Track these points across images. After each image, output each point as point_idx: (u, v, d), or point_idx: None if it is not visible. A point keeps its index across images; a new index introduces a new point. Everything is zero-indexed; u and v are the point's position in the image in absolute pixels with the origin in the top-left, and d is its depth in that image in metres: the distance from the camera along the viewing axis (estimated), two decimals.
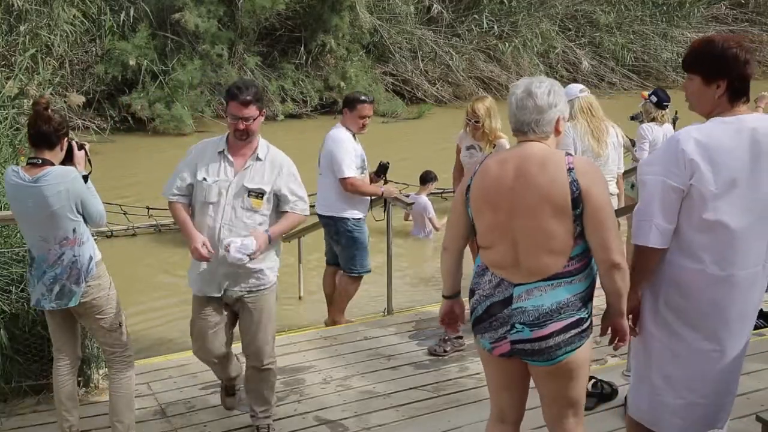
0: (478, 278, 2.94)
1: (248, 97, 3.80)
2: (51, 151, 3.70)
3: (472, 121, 5.31)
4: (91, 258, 3.74)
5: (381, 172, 5.50)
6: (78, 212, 3.68)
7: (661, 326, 2.94)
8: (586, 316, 2.83)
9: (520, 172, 2.80)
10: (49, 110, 3.70)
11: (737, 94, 2.82)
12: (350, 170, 5.34)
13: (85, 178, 3.79)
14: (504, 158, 2.88)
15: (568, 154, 2.85)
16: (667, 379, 2.97)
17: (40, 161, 3.65)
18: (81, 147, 3.89)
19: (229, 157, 3.90)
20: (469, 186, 2.92)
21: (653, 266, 2.88)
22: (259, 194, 3.85)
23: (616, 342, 2.96)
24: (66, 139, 3.77)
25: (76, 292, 3.70)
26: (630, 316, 2.98)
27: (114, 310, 3.86)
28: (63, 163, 3.78)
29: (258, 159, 3.90)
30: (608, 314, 2.91)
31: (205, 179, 3.87)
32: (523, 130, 2.87)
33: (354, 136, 5.48)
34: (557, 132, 2.90)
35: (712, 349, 2.91)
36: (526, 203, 2.76)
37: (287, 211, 3.94)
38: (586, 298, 2.83)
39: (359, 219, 5.52)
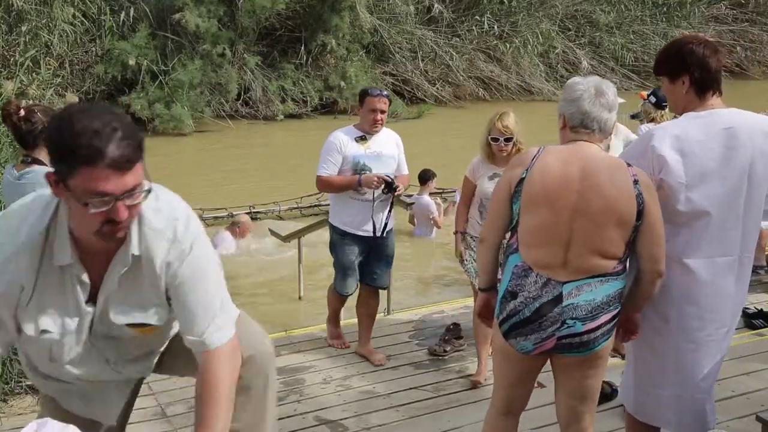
0: (520, 279, 2.81)
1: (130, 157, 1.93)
2: (33, 150, 3.66)
3: (502, 139, 4.53)
4: None
5: (388, 189, 4.78)
6: None
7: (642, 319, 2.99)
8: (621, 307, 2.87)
9: (587, 175, 2.74)
10: (20, 113, 3.63)
11: (702, 86, 2.89)
12: (322, 169, 4.85)
13: None
14: (566, 157, 2.79)
15: (629, 164, 2.80)
16: (649, 370, 3.03)
17: (30, 159, 3.64)
18: None
19: (83, 277, 2.12)
20: (521, 179, 2.80)
21: None
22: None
23: (627, 335, 3.01)
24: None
25: None
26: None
27: None
28: None
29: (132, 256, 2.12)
30: (630, 308, 2.93)
31: (46, 331, 2.14)
32: (591, 128, 2.81)
33: (363, 137, 4.86)
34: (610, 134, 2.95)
35: (687, 340, 2.94)
36: (592, 208, 2.71)
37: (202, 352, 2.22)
38: (624, 292, 2.86)
39: (343, 231, 4.94)
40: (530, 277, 2.78)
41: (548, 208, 2.75)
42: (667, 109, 7.23)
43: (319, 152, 4.97)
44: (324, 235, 5.97)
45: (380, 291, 5.21)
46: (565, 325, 2.75)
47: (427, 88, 17.71)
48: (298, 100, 16.25)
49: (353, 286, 5.04)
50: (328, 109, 16.38)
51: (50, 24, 13.20)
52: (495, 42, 18.64)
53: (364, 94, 4.95)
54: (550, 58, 19.18)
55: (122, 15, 14.81)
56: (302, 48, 16.50)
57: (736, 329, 5.00)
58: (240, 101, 15.62)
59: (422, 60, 17.95)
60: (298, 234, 7.06)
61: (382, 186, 4.76)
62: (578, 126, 2.82)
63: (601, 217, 2.71)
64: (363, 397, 4.58)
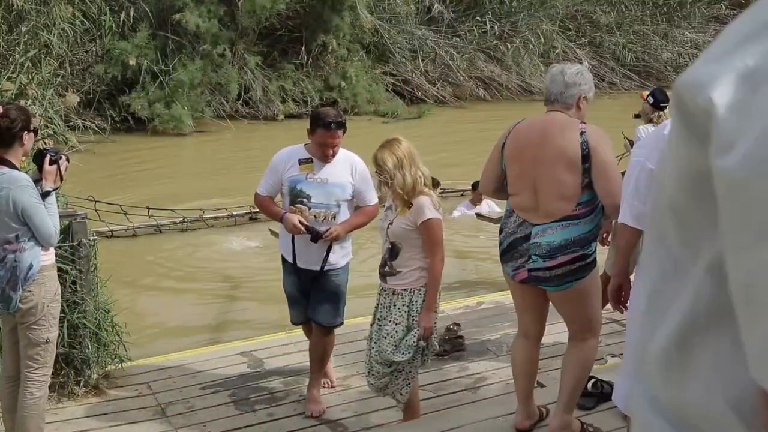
0: (506, 219, 3.63)
1: None
2: (8, 149, 3.59)
3: (382, 176, 3.90)
4: (31, 266, 3.60)
5: (314, 239, 4.28)
6: (20, 220, 3.54)
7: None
8: (590, 252, 3.45)
9: (544, 133, 3.46)
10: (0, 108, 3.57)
11: None
12: (259, 186, 4.44)
13: (47, 194, 3.65)
14: (533, 123, 3.58)
15: (583, 122, 3.45)
16: None
17: (1, 160, 3.57)
18: (54, 162, 3.71)
19: None
20: (504, 144, 3.59)
21: (629, 244, 3.13)
22: None
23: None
24: (25, 132, 3.61)
25: (13, 298, 3.59)
26: (618, 291, 3.31)
27: (46, 323, 3.71)
28: (40, 169, 3.68)
29: None
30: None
31: None
32: (550, 99, 3.54)
33: (309, 160, 4.30)
34: (578, 107, 3.51)
35: None
36: (546, 157, 3.39)
37: None
38: (590, 239, 3.44)
39: (284, 259, 4.49)
40: (512, 217, 3.57)
41: (518, 162, 3.51)
42: (666, 110, 7.22)
43: None
44: None
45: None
46: (531, 260, 3.46)
47: (428, 88, 17.69)
48: (298, 100, 16.24)
49: (298, 316, 4.59)
50: None
51: (50, 24, 13.19)
52: (495, 42, 18.64)
53: (316, 122, 4.20)
54: (550, 58, 19.15)
55: (122, 15, 14.80)
56: (302, 48, 16.49)
57: None
58: (240, 101, 15.61)
59: (422, 60, 17.93)
60: None
61: (305, 235, 4.22)
62: (546, 100, 3.60)
63: (553, 162, 3.38)
64: (363, 397, 4.57)
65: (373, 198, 4.43)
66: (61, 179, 3.77)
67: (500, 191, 3.70)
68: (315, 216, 4.25)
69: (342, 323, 4.58)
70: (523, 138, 3.51)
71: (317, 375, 4.56)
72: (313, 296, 4.45)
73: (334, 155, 4.27)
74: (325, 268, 4.34)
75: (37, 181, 3.68)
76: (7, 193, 3.51)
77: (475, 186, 9.03)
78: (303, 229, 4.19)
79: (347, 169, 4.31)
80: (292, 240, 4.31)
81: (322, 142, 4.20)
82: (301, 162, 4.29)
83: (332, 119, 4.19)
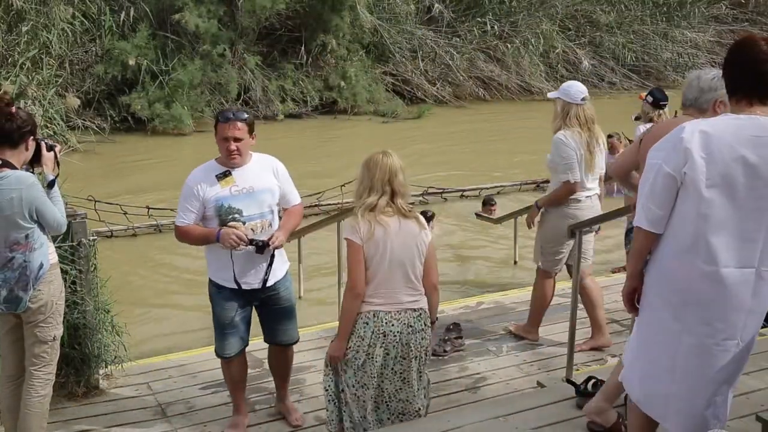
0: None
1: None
2: (13, 150, 3.54)
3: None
4: (41, 265, 3.59)
5: (259, 250, 3.97)
6: (32, 219, 3.53)
7: (653, 313, 2.96)
8: None
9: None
10: (13, 107, 3.51)
11: (731, 90, 2.85)
12: (179, 218, 4.09)
13: (52, 183, 3.66)
14: (665, 124, 3.81)
15: None
16: (655, 366, 2.98)
17: (1, 162, 3.51)
18: (51, 148, 3.71)
19: None
20: (641, 139, 3.82)
21: (644, 248, 2.96)
22: None
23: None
24: (31, 138, 3.60)
25: (23, 299, 3.58)
26: (632, 294, 3.08)
27: (53, 321, 3.71)
28: (31, 163, 3.65)
29: None
30: None
31: None
32: (685, 104, 3.68)
33: (227, 173, 4.04)
34: (714, 111, 3.51)
35: (694, 344, 2.88)
36: None
37: None
38: None
39: (219, 286, 4.10)
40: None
41: (642, 159, 3.60)
42: (665, 109, 7.21)
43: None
44: (326, 236, 5.95)
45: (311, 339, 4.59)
46: (627, 248, 4.03)
47: (427, 88, 17.70)
48: (298, 100, 16.25)
49: (235, 346, 4.18)
50: (328, 109, 16.37)
51: (49, 24, 13.19)
52: (495, 42, 18.64)
53: (217, 119, 4.08)
54: (550, 58, 19.17)
55: (122, 15, 14.81)
56: (302, 48, 16.50)
57: None
58: (240, 101, 15.62)
59: (422, 60, 17.95)
60: (298, 234, 7.04)
61: (249, 247, 3.94)
62: (682, 105, 3.72)
63: None
64: None
65: (297, 197, 4.25)
66: (58, 165, 3.77)
67: (626, 181, 3.96)
68: (252, 229, 3.97)
69: (299, 338, 4.43)
70: (651, 137, 3.62)
71: (285, 387, 4.47)
72: (266, 316, 4.25)
73: (240, 153, 4.01)
74: (272, 282, 4.09)
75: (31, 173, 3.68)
76: (19, 194, 3.48)
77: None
78: (246, 240, 3.89)
79: (269, 172, 4.12)
80: (231, 258, 3.97)
81: (224, 136, 3.99)
82: (219, 177, 4.02)
83: (231, 111, 4.07)
